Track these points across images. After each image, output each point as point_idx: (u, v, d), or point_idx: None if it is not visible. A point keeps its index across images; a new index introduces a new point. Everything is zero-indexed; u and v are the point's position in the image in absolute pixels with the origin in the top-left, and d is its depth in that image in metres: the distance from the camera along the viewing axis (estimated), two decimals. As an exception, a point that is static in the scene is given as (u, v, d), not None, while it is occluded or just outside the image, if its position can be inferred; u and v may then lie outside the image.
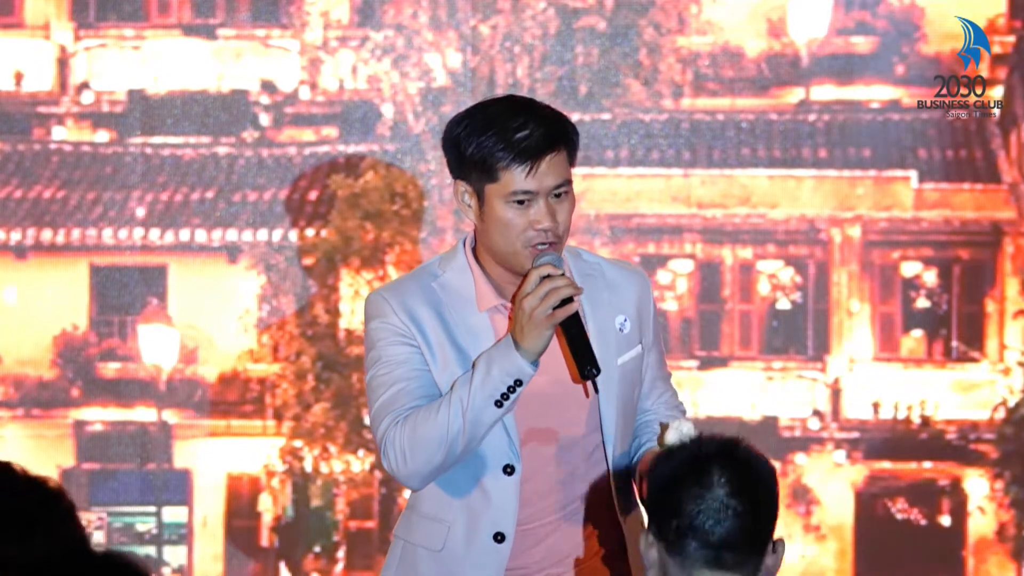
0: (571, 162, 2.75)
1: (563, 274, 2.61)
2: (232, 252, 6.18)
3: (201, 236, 6.19)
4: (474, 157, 2.69)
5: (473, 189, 2.72)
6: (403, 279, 2.92)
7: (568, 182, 2.73)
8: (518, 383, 2.59)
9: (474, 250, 2.79)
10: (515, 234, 2.68)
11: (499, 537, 2.73)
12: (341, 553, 6.11)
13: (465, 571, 2.74)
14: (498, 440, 2.70)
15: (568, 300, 2.57)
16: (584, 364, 2.57)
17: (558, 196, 2.70)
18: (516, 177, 2.67)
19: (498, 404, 2.60)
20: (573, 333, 2.57)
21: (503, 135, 2.68)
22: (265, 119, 6.23)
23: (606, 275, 2.83)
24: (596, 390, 2.68)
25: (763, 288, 6.25)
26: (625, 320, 2.78)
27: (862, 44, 6.22)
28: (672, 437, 2.55)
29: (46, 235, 6.21)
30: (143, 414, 6.12)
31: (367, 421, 2.82)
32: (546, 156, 2.67)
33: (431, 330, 2.73)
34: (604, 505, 2.80)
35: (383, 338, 2.77)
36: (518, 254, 2.69)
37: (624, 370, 2.75)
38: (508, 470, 2.72)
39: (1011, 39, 6.14)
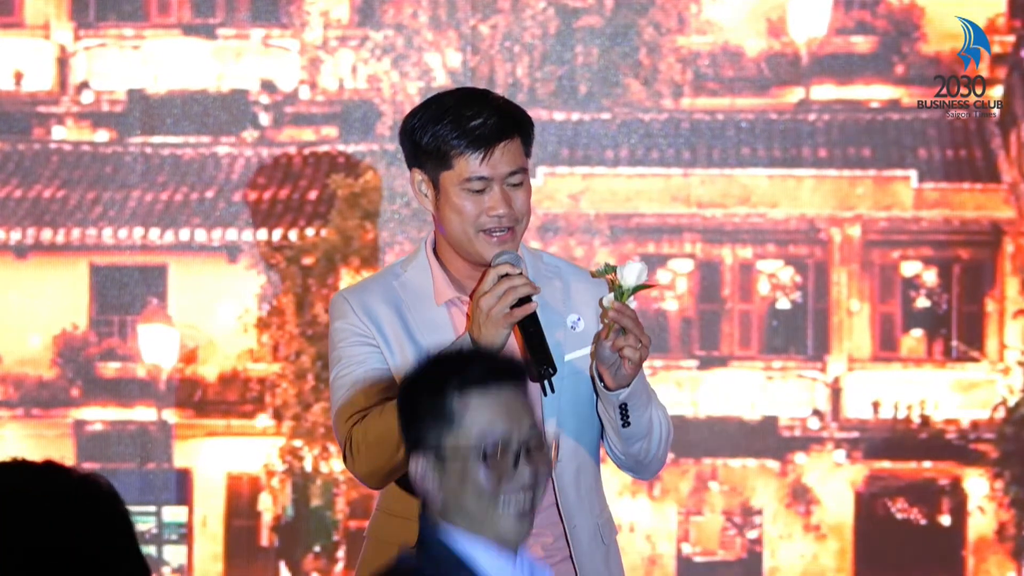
0: (527, 152, 2.78)
1: (521, 273, 2.62)
2: (232, 252, 6.19)
3: (201, 236, 6.20)
4: (429, 146, 2.73)
5: (429, 178, 2.76)
6: (367, 280, 2.96)
7: (523, 170, 2.76)
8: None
9: (435, 248, 2.81)
10: (469, 221, 2.71)
11: None
12: (341, 553, 6.11)
13: None
14: None
15: (526, 299, 2.59)
16: (540, 363, 2.58)
17: (513, 184, 2.72)
18: (470, 163, 2.71)
19: None
20: (530, 332, 2.59)
21: (457, 123, 2.73)
22: (265, 119, 6.23)
23: (564, 276, 2.85)
24: (552, 389, 2.68)
25: (763, 288, 6.26)
26: (579, 319, 2.79)
27: (862, 44, 6.22)
28: (629, 279, 2.57)
29: (46, 235, 6.21)
30: (143, 414, 6.12)
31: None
32: (500, 143, 2.71)
33: (390, 328, 2.75)
34: (550, 506, 2.77)
35: (344, 339, 2.81)
36: (472, 241, 2.71)
37: (573, 368, 2.75)
38: None
39: (1011, 39, 6.14)
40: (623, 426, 2.65)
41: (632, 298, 2.62)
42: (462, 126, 2.72)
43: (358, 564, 2.90)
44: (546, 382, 2.65)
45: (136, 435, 6.11)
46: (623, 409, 2.64)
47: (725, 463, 6.22)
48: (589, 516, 2.79)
